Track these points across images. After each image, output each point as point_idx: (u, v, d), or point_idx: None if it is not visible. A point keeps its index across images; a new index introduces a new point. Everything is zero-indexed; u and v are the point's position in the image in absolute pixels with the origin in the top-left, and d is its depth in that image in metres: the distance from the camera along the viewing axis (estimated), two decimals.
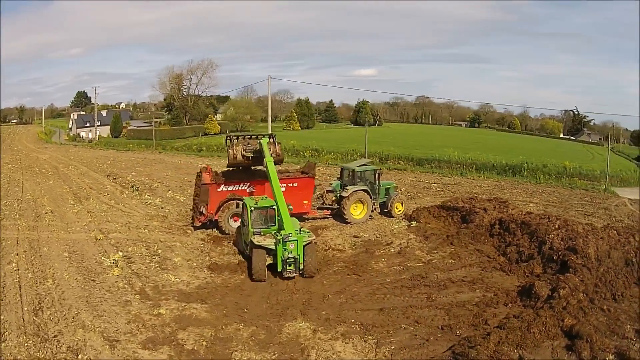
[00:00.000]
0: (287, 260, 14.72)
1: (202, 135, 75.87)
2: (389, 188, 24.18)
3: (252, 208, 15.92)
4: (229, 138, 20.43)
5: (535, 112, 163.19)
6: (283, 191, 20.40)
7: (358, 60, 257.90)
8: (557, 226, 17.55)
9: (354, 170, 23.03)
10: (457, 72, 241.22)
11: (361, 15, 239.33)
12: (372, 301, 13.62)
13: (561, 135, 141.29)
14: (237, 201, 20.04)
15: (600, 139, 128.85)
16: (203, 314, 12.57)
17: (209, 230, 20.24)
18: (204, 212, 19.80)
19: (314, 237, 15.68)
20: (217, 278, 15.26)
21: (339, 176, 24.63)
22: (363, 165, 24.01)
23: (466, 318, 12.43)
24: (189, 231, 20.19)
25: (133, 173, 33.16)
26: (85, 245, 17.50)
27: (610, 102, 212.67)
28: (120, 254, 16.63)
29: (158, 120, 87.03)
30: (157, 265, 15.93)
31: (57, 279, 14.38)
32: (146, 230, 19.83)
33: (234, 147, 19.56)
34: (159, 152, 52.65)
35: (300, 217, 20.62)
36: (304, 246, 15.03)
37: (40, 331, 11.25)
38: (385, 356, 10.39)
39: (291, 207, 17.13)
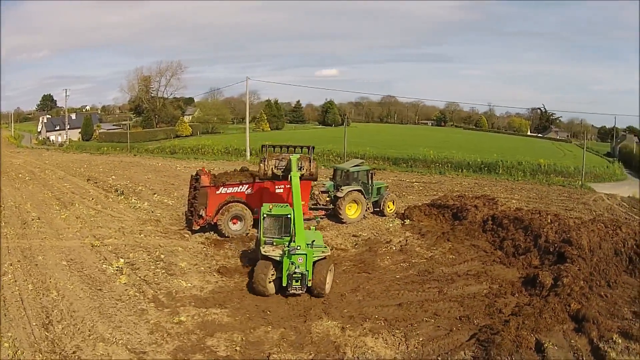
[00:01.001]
0: (294, 275, 13.96)
1: (173, 138, 76.60)
2: (380, 188, 25.41)
3: (265, 215, 15.33)
4: (264, 147, 20.31)
5: (501, 110, 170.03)
6: (280, 193, 21.52)
7: (320, 61, 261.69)
8: (549, 220, 19.20)
9: (348, 170, 24.11)
10: (421, 71, 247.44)
11: (323, 15, 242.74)
12: (388, 297, 14.64)
13: (528, 133, 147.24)
14: (237, 203, 20.67)
15: (567, 135, 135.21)
16: (225, 318, 12.90)
17: (207, 234, 20.66)
18: (203, 215, 20.23)
19: (329, 253, 15.08)
20: (229, 282, 15.69)
21: (331, 177, 25.66)
22: (356, 165, 25.08)
23: (480, 308, 13.70)
24: (187, 235, 20.55)
25: (113, 176, 32.99)
26: (82, 253, 17.51)
27: (576, 99, 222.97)
28: (122, 260, 16.72)
29: (126, 123, 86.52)
30: (163, 271, 16.15)
31: (61, 290, 14.06)
32: (142, 235, 20.03)
33: (267, 162, 19.32)
34: (134, 155, 52.50)
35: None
36: (315, 262, 14.33)
37: (56, 347, 10.94)
38: (416, 348, 11.42)
39: (319, 219, 17.42)
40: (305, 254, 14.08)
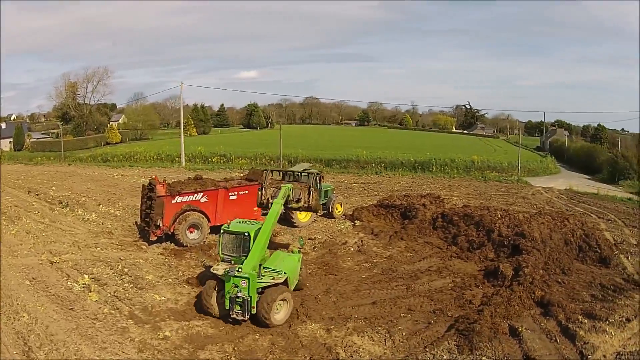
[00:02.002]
0: (236, 299, 12.88)
1: (104, 145, 74.91)
2: (327, 190, 26.18)
3: (223, 230, 14.30)
4: (266, 172, 20.54)
5: (424, 108, 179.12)
6: (234, 200, 21.68)
7: (240, 63, 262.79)
8: (499, 216, 20.83)
9: (299, 174, 24.62)
10: (342, 71, 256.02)
11: (243, 17, 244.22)
12: (360, 297, 15.21)
13: (454, 130, 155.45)
14: (193, 212, 20.56)
15: (494, 131, 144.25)
16: (210, 330, 12.92)
17: (164, 244, 20.31)
18: (160, 225, 19.91)
19: (280, 280, 13.31)
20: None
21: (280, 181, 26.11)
22: (305, 169, 25.69)
23: (450, 301, 14.71)
24: (144, 246, 20.09)
25: (53, 188, 31.27)
26: (43, 271, 16.64)
27: (500, 95, 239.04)
28: (86, 277, 16.10)
29: (55, 131, 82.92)
30: (132, 285, 15.78)
31: (32, 312, 13.36)
32: (98, 248, 19.31)
33: (265, 190, 19.44)
34: (69, 164, 50.23)
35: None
36: (265, 288, 13.10)
37: None
38: (401, 342, 12.08)
39: (302, 241, 17.13)
40: (248, 278, 12.81)
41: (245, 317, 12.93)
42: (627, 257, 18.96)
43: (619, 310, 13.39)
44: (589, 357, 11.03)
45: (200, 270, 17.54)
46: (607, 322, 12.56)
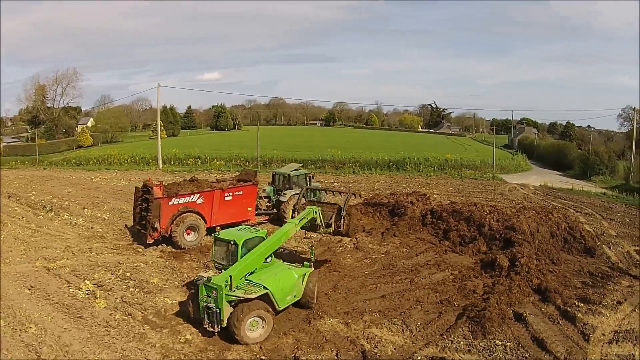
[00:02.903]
0: (207, 310, 12.39)
1: (76, 148, 73.81)
2: (316, 190, 26.97)
3: (214, 237, 14.12)
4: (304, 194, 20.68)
5: (389, 107, 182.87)
6: (229, 200, 22.18)
7: (203, 65, 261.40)
8: (488, 211, 22.17)
9: (289, 175, 25.41)
10: (306, 72, 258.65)
11: (205, 19, 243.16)
12: (368, 291, 16.04)
13: (420, 129, 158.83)
14: (190, 213, 20.90)
15: (460, 129, 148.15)
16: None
17: (161, 247, 20.52)
18: (157, 227, 20.15)
19: (253, 297, 12.37)
20: None
21: (270, 182, 26.73)
22: (296, 170, 26.43)
23: (454, 292, 15.80)
24: (140, 249, 20.24)
25: (33, 192, 30.65)
26: (41, 278, 16.49)
27: (464, 93, 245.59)
28: (88, 282, 16.12)
29: (25, 135, 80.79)
30: (138, 290, 15.83)
31: (39, 323, 12.94)
32: (93, 253, 19.33)
33: (298, 203, 19.30)
34: (44, 169, 48.97)
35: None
36: (232, 303, 12.31)
37: None
38: (419, 331, 13.01)
39: (314, 253, 15.82)
40: (216, 289, 12.18)
41: (215, 329, 12.33)
42: (610, 248, 20.71)
43: (610, 295, 14.88)
44: (590, 336, 12.31)
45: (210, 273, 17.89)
46: (601, 305, 13.97)
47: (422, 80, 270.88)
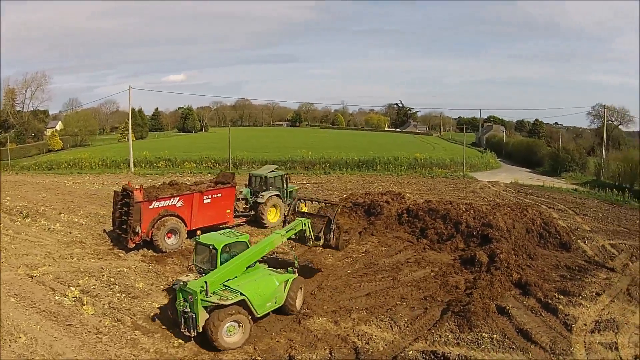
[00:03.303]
0: (183, 314, 12.30)
1: (46, 152, 72.04)
2: (292, 191, 27.12)
3: (195, 241, 14.11)
4: (298, 201, 20.56)
5: (355, 107, 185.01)
6: (208, 203, 22.06)
7: (168, 66, 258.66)
8: (464, 209, 22.72)
9: (266, 176, 25.43)
10: (271, 72, 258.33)
11: (170, 20, 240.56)
12: (352, 290, 16.22)
13: (386, 128, 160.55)
14: (171, 217, 20.64)
15: (426, 128, 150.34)
16: None
17: (142, 251, 20.17)
18: (138, 231, 19.85)
19: (228, 303, 12.22)
20: None
21: (247, 184, 26.68)
22: (272, 171, 26.48)
23: (436, 288, 16.16)
24: (122, 254, 19.85)
25: (8, 198, 29.57)
26: (24, 286, 15.92)
27: (430, 92, 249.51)
28: (73, 289, 15.67)
29: None
30: (125, 295, 15.56)
31: (29, 332, 12.56)
32: (74, 259, 18.81)
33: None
34: (16, 173, 47.53)
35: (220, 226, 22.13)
36: (208, 309, 12.20)
37: None
38: (407, 327, 13.28)
39: (297, 259, 15.68)
40: (192, 293, 12.07)
41: (191, 334, 12.23)
42: (585, 242, 21.55)
43: (588, 287, 15.55)
44: (572, 326, 12.84)
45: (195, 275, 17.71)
46: (581, 297, 14.59)
47: (389, 80, 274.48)
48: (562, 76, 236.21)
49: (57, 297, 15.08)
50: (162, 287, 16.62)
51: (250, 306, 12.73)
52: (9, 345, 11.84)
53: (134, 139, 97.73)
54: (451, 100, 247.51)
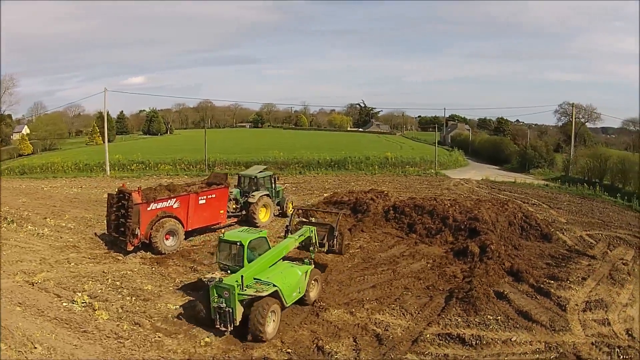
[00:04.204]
0: (219, 310, 12.63)
1: (17, 157, 70.38)
2: (279, 191, 27.78)
3: (219, 239, 14.48)
4: (295, 210, 21.00)
5: (316, 107, 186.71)
6: (203, 204, 22.40)
7: (128, 69, 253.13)
8: (449, 204, 23.98)
9: (256, 177, 26.01)
10: (232, 74, 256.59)
11: (130, 23, 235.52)
12: (357, 283, 16.99)
13: (349, 128, 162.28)
14: (169, 218, 20.81)
15: (389, 128, 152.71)
16: (245, 330, 12.83)
17: (140, 253, 20.22)
18: (137, 234, 19.93)
19: (265, 294, 12.71)
20: None
21: (236, 184, 27.09)
22: (261, 172, 27.04)
23: (435, 278, 17.24)
24: (120, 257, 19.82)
25: None
26: (27, 293, 15.54)
27: (391, 92, 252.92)
28: (80, 294, 15.45)
29: None
30: (135, 298, 15.48)
31: (43, 341, 12.05)
32: (72, 264, 18.64)
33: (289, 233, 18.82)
34: None
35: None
36: (243, 302, 12.65)
37: None
38: (418, 314, 14.27)
39: (313, 252, 16.33)
40: (228, 288, 12.48)
41: (228, 329, 12.59)
42: (563, 233, 23.27)
43: (574, 273, 17.06)
44: (566, 306, 14.19)
45: (197, 277, 17.75)
46: (569, 282, 16.05)
47: (349, 80, 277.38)
48: (524, 75, 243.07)
49: (64, 304, 14.79)
50: (170, 288, 16.72)
51: (282, 296, 13.31)
52: (25, 357, 11.37)
53: (102, 142, 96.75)
54: (412, 99, 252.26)
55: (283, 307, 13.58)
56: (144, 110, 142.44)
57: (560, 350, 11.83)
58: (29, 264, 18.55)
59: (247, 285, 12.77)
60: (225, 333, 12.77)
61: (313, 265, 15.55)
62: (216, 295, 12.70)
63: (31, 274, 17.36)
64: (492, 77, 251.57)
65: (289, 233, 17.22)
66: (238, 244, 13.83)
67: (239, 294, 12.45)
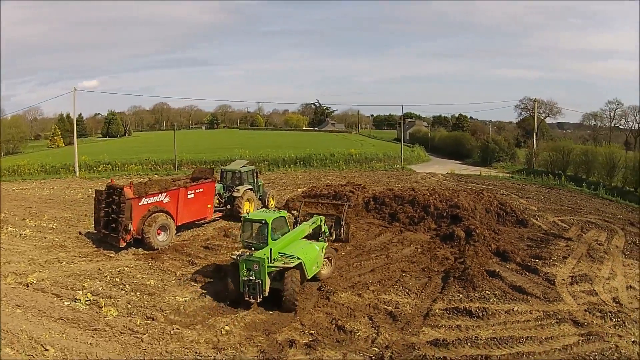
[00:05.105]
0: (248, 283, 13.57)
1: None
2: (260, 185, 28.00)
3: (243, 218, 15.34)
4: (301, 202, 21.20)
5: (270, 108, 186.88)
6: (192, 198, 22.27)
7: (81, 73, 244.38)
8: (429, 194, 24.93)
9: (240, 171, 26.08)
10: (185, 76, 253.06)
11: (82, 26, 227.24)
12: (356, 268, 17.46)
13: (304, 128, 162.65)
14: (161, 213, 20.49)
15: (344, 126, 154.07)
16: (260, 316, 13.34)
17: (132, 249, 19.75)
18: (130, 229, 19.56)
19: (292, 266, 13.71)
20: (213, 288, 15.50)
21: (219, 179, 27.04)
22: (244, 166, 27.12)
23: (429, 261, 18.03)
24: (112, 254, 19.26)
25: None
26: (23, 295, 14.74)
27: (344, 91, 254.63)
28: (81, 293, 14.82)
29: None
30: (140, 293, 15.09)
31: (54, 343, 11.45)
32: (63, 263, 17.98)
33: (300, 210, 20.03)
34: None
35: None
36: (271, 275, 13.73)
37: None
38: (422, 292, 14.99)
39: (327, 231, 17.44)
40: (258, 262, 13.42)
41: (257, 300, 13.50)
42: (537, 219, 24.76)
43: (554, 252, 18.41)
44: (554, 280, 15.32)
45: (198, 268, 17.72)
46: (552, 260, 17.32)
47: (302, 80, 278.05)
48: (479, 73, 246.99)
49: (66, 303, 14.21)
50: (173, 281, 16.39)
51: (304, 268, 14.26)
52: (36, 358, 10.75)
53: (63, 145, 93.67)
54: (365, 99, 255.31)
55: (303, 280, 14.49)
56: (99, 114, 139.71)
57: (558, 317, 12.88)
58: (18, 265, 17.67)
59: (274, 259, 13.61)
60: (254, 302, 13.60)
61: (327, 242, 16.62)
62: (245, 269, 13.55)
63: (23, 275, 16.56)
64: (447, 75, 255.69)
65: (298, 224, 17.72)
66: (262, 222, 14.54)
67: (268, 267, 13.39)
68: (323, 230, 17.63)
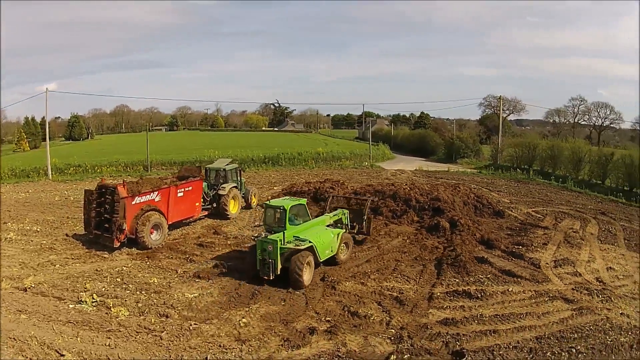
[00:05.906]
0: (264, 262, 14.88)
1: None
2: (243, 183, 28.17)
3: (265, 205, 16.54)
4: (331, 197, 21.74)
5: (229, 109, 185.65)
6: (181, 197, 22.22)
7: (39, 76, 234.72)
8: (409, 188, 25.78)
9: (225, 169, 26.10)
10: (143, 78, 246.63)
11: (38, 29, 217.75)
12: (352, 259, 17.61)
13: (264, 128, 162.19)
14: (154, 212, 20.24)
15: (303, 126, 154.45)
16: (272, 307, 13.43)
17: (125, 249, 19.37)
18: (124, 228, 19.27)
19: (302, 248, 14.89)
20: (222, 282, 15.59)
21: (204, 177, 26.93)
22: (228, 164, 27.16)
23: (419, 251, 18.74)
24: (106, 255, 18.77)
25: None
26: (23, 300, 14.19)
27: (302, 91, 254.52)
28: (85, 294, 14.38)
29: None
30: (146, 292, 14.85)
31: (69, 347, 11.04)
32: (57, 265, 17.41)
33: (329, 204, 20.72)
34: None
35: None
36: (286, 254, 14.86)
37: None
38: (420, 279, 15.69)
39: (345, 220, 18.40)
40: (272, 243, 14.62)
41: (270, 277, 14.77)
42: (512, 211, 25.99)
43: (535, 240, 19.62)
44: (539, 264, 16.44)
45: (197, 265, 17.65)
46: (533, 246, 18.50)
47: (260, 81, 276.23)
48: (439, 71, 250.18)
49: (71, 305, 13.76)
50: (176, 278, 16.14)
51: (316, 251, 15.43)
52: None
53: (29, 148, 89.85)
54: (325, 98, 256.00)
55: (317, 262, 15.61)
56: (59, 117, 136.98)
57: (550, 295, 13.95)
58: (10, 269, 16.97)
59: (287, 241, 14.92)
60: (266, 278, 14.81)
61: (344, 230, 17.66)
62: (261, 249, 14.84)
63: (17, 279, 15.95)
64: (407, 74, 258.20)
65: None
66: (281, 208, 15.57)
67: (280, 248, 14.66)
68: (345, 222, 18.60)
